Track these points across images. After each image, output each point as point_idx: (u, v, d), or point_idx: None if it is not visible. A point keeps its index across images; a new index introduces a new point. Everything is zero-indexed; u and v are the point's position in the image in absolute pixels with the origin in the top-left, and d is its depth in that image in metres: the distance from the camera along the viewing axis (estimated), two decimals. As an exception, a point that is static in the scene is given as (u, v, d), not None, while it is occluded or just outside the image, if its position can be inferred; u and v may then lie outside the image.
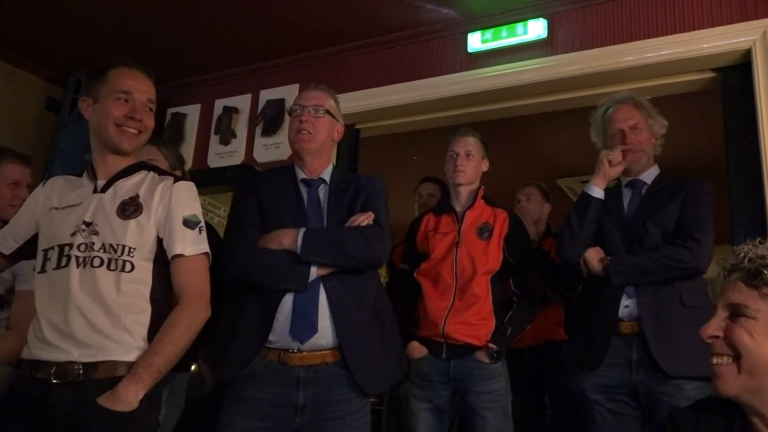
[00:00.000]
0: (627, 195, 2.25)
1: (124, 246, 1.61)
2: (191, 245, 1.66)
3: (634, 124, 2.20)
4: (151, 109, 1.74)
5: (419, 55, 3.29)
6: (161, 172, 1.77)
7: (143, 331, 1.60)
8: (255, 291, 1.85)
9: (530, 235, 3.00)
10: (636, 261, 2.03)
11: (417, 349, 2.35)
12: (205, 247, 1.70)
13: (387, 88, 3.30)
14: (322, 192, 2.03)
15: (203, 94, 3.87)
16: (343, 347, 1.82)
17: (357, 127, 3.53)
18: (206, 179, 3.51)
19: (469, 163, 2.48)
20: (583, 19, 2.95)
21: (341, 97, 3.26)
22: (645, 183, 2.22)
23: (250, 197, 1.97)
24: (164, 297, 1.66)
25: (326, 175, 2.06)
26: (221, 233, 2.12)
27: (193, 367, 2.49)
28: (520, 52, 3.05)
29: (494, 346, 2.29)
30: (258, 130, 3.60)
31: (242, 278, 1.86)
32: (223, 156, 3.67)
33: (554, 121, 3.99)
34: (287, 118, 3.07)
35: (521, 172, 4.70)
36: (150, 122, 1.74)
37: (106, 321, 1.56)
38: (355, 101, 3.34)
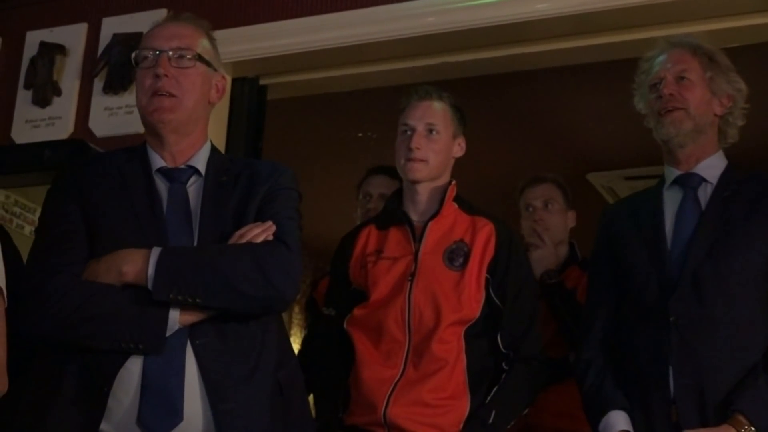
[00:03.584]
0: (673, 200, 2.30)
1: None
2: None
3: (680, 72, 2.27)
4: None
5: (364, -33, 3.32)
6: None
7: None
8: (78, 354, 1.85)
9: (549, 263, 3.09)
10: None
11: (343, 446, 2.39)
12: None
13: (311, 21, 3.31)
14: (193, 189, 2.05)
15: (6, 22, 3.81)
16: None
17: (262, 82, 3.54)
18: (9, 163, 3.48)
19: (433, 144, 2.51)
20: None
21: (235, 33, 3.34)
22: (705, 180, 2.28)
23: (70, 200, 1.97)
24: None
25: (199, 161, 2.08)
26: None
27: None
28: (527, -34, 3.11)
29: (467, 443, 2.34)
30: (98, 84, 3.57)
31: (55, 334, 1.86)
32: (38, 125, 3.63)
33: (583, 81, 4.10)
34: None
35: (533, 161, 4.79)
36: None
37: None
38: (259, 41, 3.35)
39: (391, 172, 3.18)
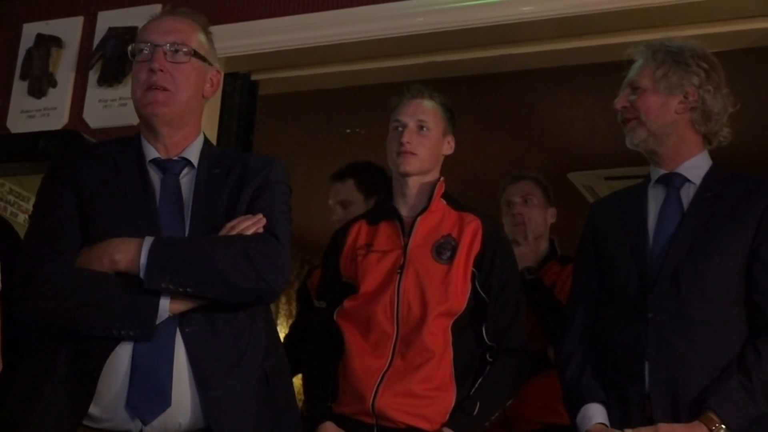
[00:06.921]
0: (657, 198, 2.29)
1: None
2: None
3: (635, 82, 2.27)
4: None
5: (356, -32, 3.31)
6: None
7: None
8: (69, 339, 1.85)
9: (528, 259, 3.09)
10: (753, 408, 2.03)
11: (331, 436, 2.38)
12: None
13: (303, 18, 3.30)
14: (186, 180, 2.04)
15: (4, 15, 3.78)
16: (212, 429, 1.85)
17: (254, 78, 3.53)
18: (4, 152, 3.45)
19: (423, 140, 2.51)
20: None
21: (228, 29, 3.31)
22: (688, 180, 2.27)
23: (64, 188, 1.96)
24: None
25: (192, 153, 2.07)
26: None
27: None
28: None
29: (452, 432, 2.33)
30: (93, 77, 3.56)
31: (47, 319, 1.86)
32: (33, 115, 3.61)
33: (567, 82, 4.09)
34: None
35: (516, 160, 4.79)
36: None
37: None
38: (252, 37, 3.33)
39: (341, 176, 3.32)
